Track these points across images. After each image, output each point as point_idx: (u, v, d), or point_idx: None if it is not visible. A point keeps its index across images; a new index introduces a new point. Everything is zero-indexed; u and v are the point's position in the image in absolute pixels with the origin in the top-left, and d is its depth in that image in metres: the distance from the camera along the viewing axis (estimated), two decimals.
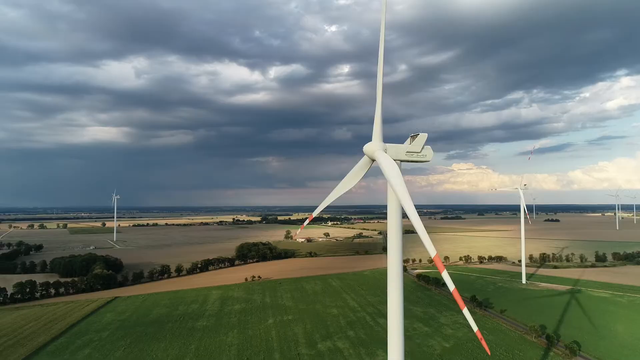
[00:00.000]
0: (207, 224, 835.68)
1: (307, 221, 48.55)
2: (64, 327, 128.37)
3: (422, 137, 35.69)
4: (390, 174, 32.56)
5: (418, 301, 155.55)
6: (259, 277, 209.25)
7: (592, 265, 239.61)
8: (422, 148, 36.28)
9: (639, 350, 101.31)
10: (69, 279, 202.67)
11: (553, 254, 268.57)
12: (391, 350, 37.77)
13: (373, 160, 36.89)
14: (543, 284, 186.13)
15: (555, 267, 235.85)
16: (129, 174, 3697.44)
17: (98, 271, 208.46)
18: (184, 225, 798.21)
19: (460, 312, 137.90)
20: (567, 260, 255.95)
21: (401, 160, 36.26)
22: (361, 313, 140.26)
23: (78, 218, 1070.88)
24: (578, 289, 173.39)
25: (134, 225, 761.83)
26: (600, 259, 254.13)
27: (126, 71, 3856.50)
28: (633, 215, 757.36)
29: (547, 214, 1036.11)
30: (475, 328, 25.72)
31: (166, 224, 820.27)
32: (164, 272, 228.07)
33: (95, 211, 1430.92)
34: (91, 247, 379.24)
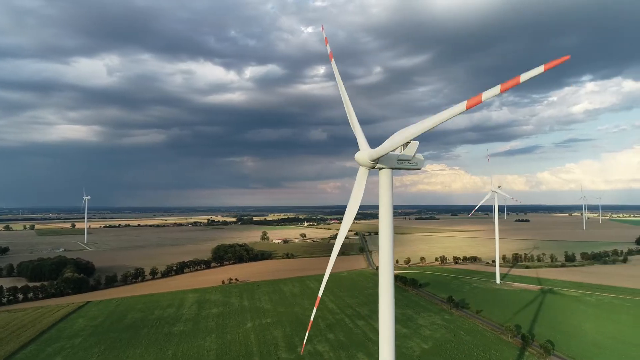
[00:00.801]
0: (181, 224, 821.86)
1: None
2: (33, 334, 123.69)
3: (414, 144, 35.68)
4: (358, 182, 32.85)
5: (395, 302, 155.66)
6: (236, 279, 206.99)
7: (562, 265, 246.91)
8: (414, 155, 36.36)
9: (609, 349, 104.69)
10: (37, 284, 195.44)
11: (525, 254, 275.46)
12: (382, 352, 37.65)
13: (371, 168, 36.84)
14: (516, 284, 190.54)
15: (527, 267, 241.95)
16: (100, 174, 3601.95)
17: (69, 275, 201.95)
18: (157, 226, 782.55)
19: (437, 313, 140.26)
20: (539, 260, 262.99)
21: (393, 168, 36.23)
22: (340, 315, 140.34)
23: (46, 219, 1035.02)
24: (550, 288, 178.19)
25: (105, 226, 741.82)
26: (570, 259, 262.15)
27: (97, 69, 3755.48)
28: (598, 216, 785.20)
29: (518, 214, 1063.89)
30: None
31: (139, 224, 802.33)
32: (138, 275, 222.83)
33: (63, 212, 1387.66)
34: (60, 250, 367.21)
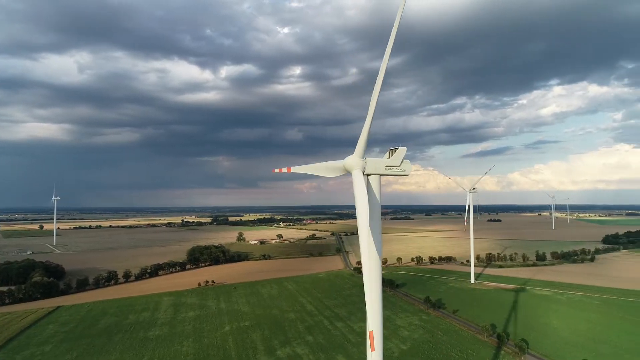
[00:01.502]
0: (154, 225, 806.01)
1: (284, 169, 47.13)
2: (1, 341, 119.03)
3: (401, 151, 35.77)
4: (357, 187, 33.22)
5: None
6: (213, 281, 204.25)
7: (534, 265, 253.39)
8: (402, 162, 36.41)
9: (581, 346, 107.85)
10: (4, 288, 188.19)
11: (498, 253, 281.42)
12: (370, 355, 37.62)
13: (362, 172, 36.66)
14: (491, 284, 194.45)
15: (500, 266, 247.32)
16: (70, 173, 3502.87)
17: (37, 278, 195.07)
18: (130, 227, 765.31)
19: (415, 313, 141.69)
20: (511, 259, 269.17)
21: (380, 175, 36.20)
22: (319, 317, 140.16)
23: (12, 220, 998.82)
24: (522, 287, 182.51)
25: (75, 228, 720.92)
26: (541, 258, 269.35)
27: (68, 66, 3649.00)
28: (566, 216, 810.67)
29: (490, 214, 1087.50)
30: None
31: (110, 225, 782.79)
32: (110, 278, 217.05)
33: (30, 212, 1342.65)
34: (28, 252, 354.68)
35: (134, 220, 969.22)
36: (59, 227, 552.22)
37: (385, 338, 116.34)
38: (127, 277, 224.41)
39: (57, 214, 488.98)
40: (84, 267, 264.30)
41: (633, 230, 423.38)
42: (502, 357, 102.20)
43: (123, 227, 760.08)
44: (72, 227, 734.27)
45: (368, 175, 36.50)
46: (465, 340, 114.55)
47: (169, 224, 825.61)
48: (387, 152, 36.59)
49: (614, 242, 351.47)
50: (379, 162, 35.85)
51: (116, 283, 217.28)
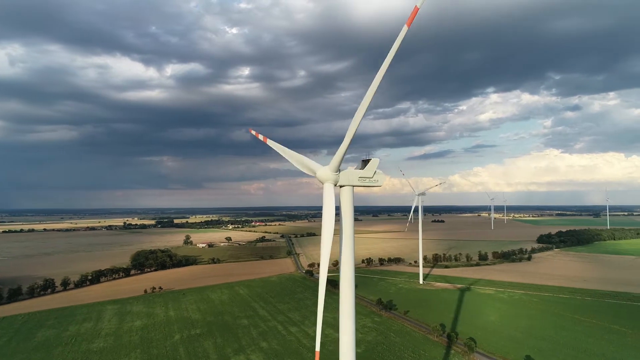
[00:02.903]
0: (94, 228, 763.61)
1: (261, 136, 48.87)
2: None
3: (374, 162, 35.83)
4: (326, 206, 32.58)
5: (326, 306, 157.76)
6: (160, 287, 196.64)
7: (477, 264, 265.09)
8: (374, 173, 36.46)
9: (523, 343, 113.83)
10: None
11: (444, 254, 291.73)
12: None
13: (334, 184, 36.23)
14: (438, 284, 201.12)
15: (446, 266, 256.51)
16: None
17: None
18: (67, 230, 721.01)
19: (367, 315, 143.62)
20: (456, 259, 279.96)
21: (353, 186, 36.05)
22: (272, 322, 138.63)
23: None
24: (467, 287, 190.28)
25: (4, 232, 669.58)
26: (483, 258, 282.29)
27: None
28: (504, 216, 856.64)
29: (433, 214, 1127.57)
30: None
31: (44, 229, 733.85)
32: (47, 287, 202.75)
33: None
34: None
35: (71, 223, 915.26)
36: None
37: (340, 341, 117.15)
38: (65, 284, 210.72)
39: None
40: (17, 275, 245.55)
41: (564, 230, 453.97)
42: (452, 357, 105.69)
43: (59, 230, 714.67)
44: (0, 230, 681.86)
45: (341, 186, 36.26)
46: (417, 341, 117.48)
47: (109, 227, 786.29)
48: (360, 163, 36.50)
49: (547, 242, 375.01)
50: (352, 174, 35.71)
51: (53, 292, 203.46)
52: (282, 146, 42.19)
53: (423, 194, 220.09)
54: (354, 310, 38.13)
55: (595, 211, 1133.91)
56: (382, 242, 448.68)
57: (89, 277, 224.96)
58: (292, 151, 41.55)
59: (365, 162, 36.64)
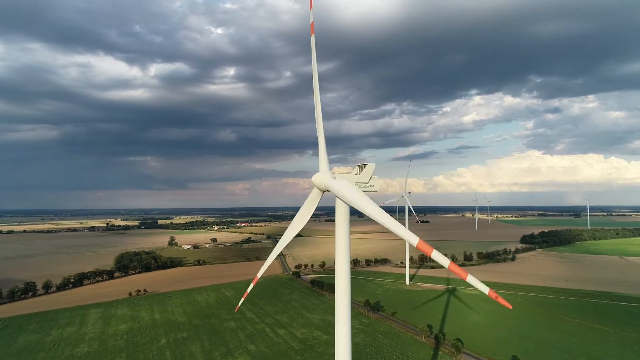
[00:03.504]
0: (76, 229, 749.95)
1: (252, 284, 45.60)
2: None
3: (370, 167, 35.74)
4: (355, 196, 30.26)
5: (314, 308, 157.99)
6: (145, 290, 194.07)
7: (462, 265, 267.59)
8: (370, 178, 36.39)
9: (510, 343, 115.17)
10: None
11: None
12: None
13: (324, 191, 35.89)
14: (424, 285, 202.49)
15: (432, 267, 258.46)
16: None
17: None
18: (48, 231, 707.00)
19: (355, 317, 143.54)
20: None
21: None
22: (260, 325, 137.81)
23: None
24: (453, 287, 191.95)
25: None
26: (468, 259, 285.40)
27: None
28: (487, 217, 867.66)
29: (418, 215, 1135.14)
30: (486, 290, 21.44)
31: (25, 230, 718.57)
32: (28, 290, 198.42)
33: None
34: None
35: (52, 224, 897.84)
36: None
37: (328, 344, 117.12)
38: (47, 288, 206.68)
39: None
40: None
41: (546, 230, 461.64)
42: (440, 357, 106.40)
43: (40, 231, 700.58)
44: None
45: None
46: (405, 342, 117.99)
47: (92, 228, 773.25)
48: (356, 168, 36.39)
49: (530, 242, 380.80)
50: (349, 179, 35.54)
51: (35, 295, 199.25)
52: (285, 236, 42.08)
53: (409, 194, 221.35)
54: (349, 314, 37.83)
55: (576, 211, 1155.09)
56: (368, 242, 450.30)
57: (72, 280, 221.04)
58: (294, 221, 41.03)
59: (361, 167, 36.57)
